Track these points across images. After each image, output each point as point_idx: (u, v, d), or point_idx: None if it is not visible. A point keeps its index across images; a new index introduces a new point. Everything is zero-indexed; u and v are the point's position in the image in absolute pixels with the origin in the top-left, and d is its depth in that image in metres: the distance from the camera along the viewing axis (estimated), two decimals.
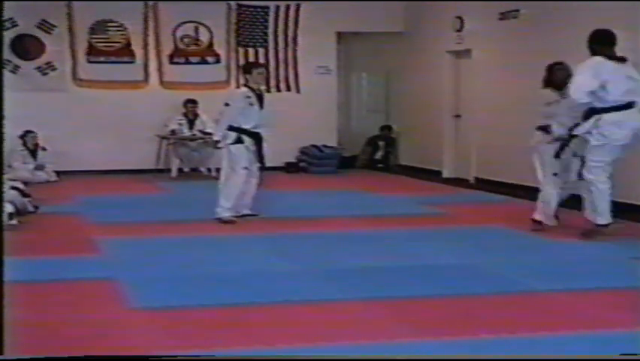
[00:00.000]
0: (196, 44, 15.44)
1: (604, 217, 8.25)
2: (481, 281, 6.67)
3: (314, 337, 5.09)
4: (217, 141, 9.77)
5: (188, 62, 15.41)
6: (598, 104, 8.02)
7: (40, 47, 14.71)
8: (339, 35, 16.17)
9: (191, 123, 14.65)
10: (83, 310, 5.71)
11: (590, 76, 7.95)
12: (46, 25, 14.72)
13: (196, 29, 15.41)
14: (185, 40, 15.40)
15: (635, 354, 4.61)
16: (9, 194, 9.15)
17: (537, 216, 8.94)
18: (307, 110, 15.52)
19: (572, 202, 8.94)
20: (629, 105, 8.04)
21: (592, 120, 8.07)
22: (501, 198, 11.85)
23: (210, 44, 15.49)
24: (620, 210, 8.87)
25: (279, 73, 15.74)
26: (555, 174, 8.74)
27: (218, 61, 15.41)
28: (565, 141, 8.47)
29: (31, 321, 5.25)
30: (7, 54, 14.05)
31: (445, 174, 14.55)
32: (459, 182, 13.79)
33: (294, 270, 7.02)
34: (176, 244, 8.24)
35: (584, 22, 11.12)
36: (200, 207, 10.09)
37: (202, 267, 7.17)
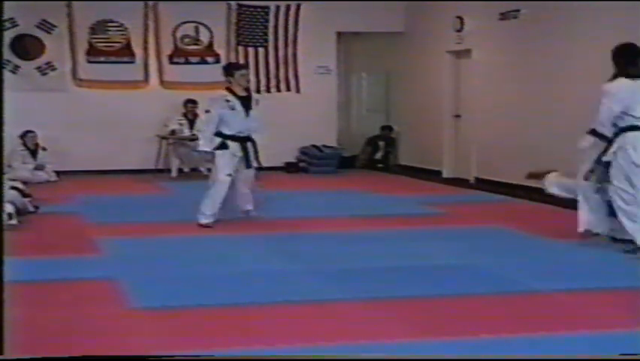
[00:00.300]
0: (196, 44, 15.45)
1: None
2: (481, 281, 6.67)
3: (314, 337, 5.09)
4: (206, 151, 9.22)
5: (188, 62, 15.41)
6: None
7: (40, 47, 14.71)
8: (339, 35, 16.17)
9: (191, 123, 14.64)
10: (83, 310, 5.71)
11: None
12: (46, 25, 14.72)
13: (196, 29, 15.41)
14: (185, 40, 15.40)
15: (635, 354, 4.61)
16: (9, 194, 9.16)
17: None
18: (307, 110, 15.52)
19: (572, 202, 8.92)
20: None
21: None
22: (501, 198, 11.85)
23: (210, 44, 15.49)
24: None
25: (279, 73, 15.75)
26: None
27: (218, 61, 15.39)
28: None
29: (31, 321, 5.25)
30: (7, 54, 14.05)
31: (445, 174, 14.55)
32: (459, 182, 13.79)
33: (294, 270, 7.02)
34: (176, 244, 8.24)
35: (584, 22, 11.15)
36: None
37: (202, 267, 7.16)
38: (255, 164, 9.32)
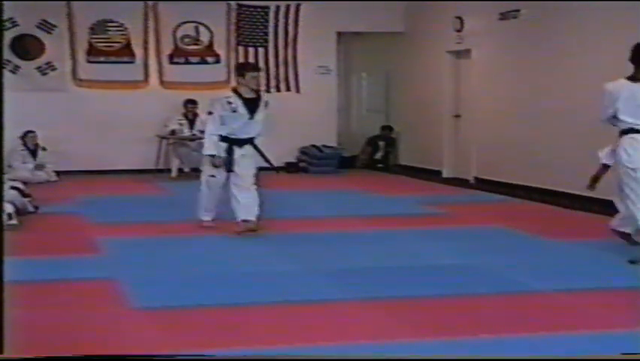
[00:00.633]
0: (196, 44, 15.44)
1: None
2: (481, 281, 6.67)
3: (314, 337, 5.09)
4: (212, 155, 8.72)
5: (188, 62, 15.41)
6: None
7: (40, 47, 14.71)
8: (339, 35, 16.17)
9: (191, 123, 14.64)
10: (83, 310, 5.71)
11: None
12: (46, 25, 14.72)
13: (196, 29, 15.41)
14: (185, 40, 15.40)
15: (635, 354, 4.61)
16: (9, 194, 9.16)
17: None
18: (307, 110, 15.51)
19: (573, 203, 8.93)
20: None
21: None
22: (501, 198, 11.85)
23: (210, 44, 15.48)
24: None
25: (279, 73, 15.74)
26: None
27: (218, 61, 15.41)
28: None
29: (31, 321, 5.25)
30: (7, 54, 14.03)
31: (445, 174, 14.54)
32: (459, 182, 13.79)
33: (294, 270, 7.02)
34: (176, 244, 8.24)
35: (584, 22, 11.15)
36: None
37: (202, 267, 7.16)
38: (253, 168, 8.81)
